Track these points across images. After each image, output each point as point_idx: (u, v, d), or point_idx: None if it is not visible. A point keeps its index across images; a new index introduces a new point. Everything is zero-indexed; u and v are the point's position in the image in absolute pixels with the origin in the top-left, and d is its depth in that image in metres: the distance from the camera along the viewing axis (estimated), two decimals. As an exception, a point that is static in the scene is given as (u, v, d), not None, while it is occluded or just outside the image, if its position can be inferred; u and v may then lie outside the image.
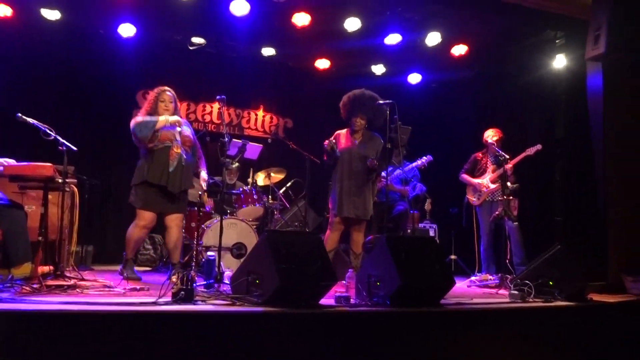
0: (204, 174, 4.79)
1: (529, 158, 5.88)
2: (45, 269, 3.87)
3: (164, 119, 4.47)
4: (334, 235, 4.88)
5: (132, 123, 4.50)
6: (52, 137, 3.93)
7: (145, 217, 4.48)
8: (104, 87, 7.02)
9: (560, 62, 6.34)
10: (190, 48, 7.11)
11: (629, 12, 5.20)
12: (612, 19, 5.09)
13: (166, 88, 4.68)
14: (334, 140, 4.87)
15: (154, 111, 4.57)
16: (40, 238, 3.82)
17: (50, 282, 3.46)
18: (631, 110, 5.45)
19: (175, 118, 4.55)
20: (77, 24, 6.57)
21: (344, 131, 5.05)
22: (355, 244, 4.88)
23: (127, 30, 6.52)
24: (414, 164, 6.19)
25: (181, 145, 4.53)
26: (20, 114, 3.92)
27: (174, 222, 4.62)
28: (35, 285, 3.25)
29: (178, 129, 4.55)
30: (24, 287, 3.18)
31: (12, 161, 3.85)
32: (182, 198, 4.65)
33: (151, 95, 4.66)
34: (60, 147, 3.94)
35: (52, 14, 6.18)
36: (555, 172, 6.56)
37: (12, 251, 3.62)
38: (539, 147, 5.80)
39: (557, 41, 6.35)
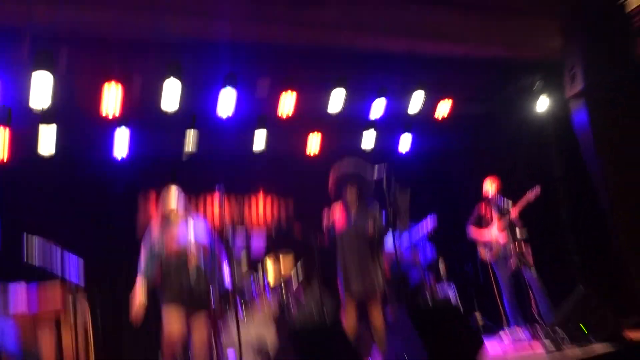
0: (225, 268, 4.60)
1: (531, 202, 5.85)
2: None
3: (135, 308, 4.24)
4: (349, 313, 4.73)
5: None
6: (59, 277, 3.88)
7: (170, 313, 4.22)
8: (106, 200, 7.08)
9: (543, 104, 6.44)
10: (184, 159, 7.21)
11: (599, 46, 5.34)
12: (585, 56, 5.23)
13: (172, 192, 4.60)
14: (331, 221, 4.82)
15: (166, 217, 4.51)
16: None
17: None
18: (623, 137, 5.48)
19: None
20: (72, 155, 6.66)
21: (339, 207, 4.97)
22: (374, 319, 4.73)
23: (121, 151, 6.55)
24: (420, 228, 6.14)
25: (197, 253, 4.40)
26: (26, 257, 3.87)
27: (197, 323, 4.36)
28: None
29: (191, 238, 4.44)
30: None
31: (22, 286, 3.79)
32: (205, 299, 4.41)
33: (159, 203, 4.63)
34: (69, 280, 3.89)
35: (47, 149, 6.23)
36: (561, 211, 6.51)
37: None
38: (537, 190, 5.79)
39: (536, 85, 6.47)
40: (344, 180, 4.83)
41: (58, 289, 3.80)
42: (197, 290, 4.31)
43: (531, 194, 5.78)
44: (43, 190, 6.79)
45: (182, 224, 4.49)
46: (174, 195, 4.55)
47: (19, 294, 3.76)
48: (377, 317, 4.71)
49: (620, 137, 5.51)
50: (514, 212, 5.68)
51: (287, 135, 7.72)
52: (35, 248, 3.90)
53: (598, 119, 5.48)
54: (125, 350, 6.81)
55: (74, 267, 3.94)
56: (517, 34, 5.15)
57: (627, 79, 4.91)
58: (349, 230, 4.78)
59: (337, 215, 4.90)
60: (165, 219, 4.49)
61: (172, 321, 4.21)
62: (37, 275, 4.06)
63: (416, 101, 6.71)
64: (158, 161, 7.33)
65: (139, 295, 4.15)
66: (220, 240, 4.71)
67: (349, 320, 4.66)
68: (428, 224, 6.07)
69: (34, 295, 3.78)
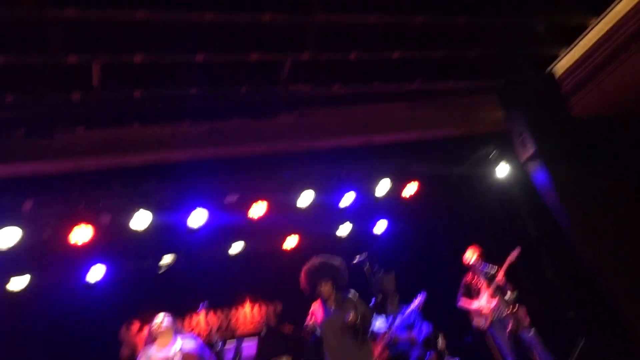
0: None
1: (514, 264, 5.88)
2: None
3: None
4: None
5: None
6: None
7: None
8: (87, 332, 6.91)
9: (503, 171, 6.63)
10: (160, 272, 7.19)
11: (538, 111, 5.59)
12: (528, 123, 5.48)
13: (159, 316, 4.73)
14: (312, 322, 4.83)
15: (152, 338, 4.64)
16: None
17: None
18: (585, 189, 5.61)
19: None
20: (46, 285, 6.61)
21: (318, 303, 5.01)
22: None
23: (95, 274, 6.57)
24: (412, 307, 6.08)
25: None
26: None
27: None
28: None
29: (177, 349, 4.43)
30: None
31: None
32: None
33: (145, 329, 4.66)
34: None
35: (18, 284, 6.20)
36: (546, 271, 6.52)
37: None
38: (518, 250, 5.84)
39: (491, 155, 6.70)
40: (316, 276, 4.91)
41: None
42: None
43: (513, 255, 5.82)
44: (23, 332, 6.65)
45: (170, 341, 4.59)
46: (162, 318, 4.69)
47: None
48: None
49: (582, 190, 5.66)
50: (499, 276, 5.69)
51: (263, 235, 7.76)
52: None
53: (557, 177, 5.64)
54: None
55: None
56: (462, 113, 5.43)
57: (572, 137, 5.15)
58: (329, 323, 4.78)
59: (317, 312, 4.93)
60: (153, 340, 4.63)
61: None
62: None
63: (383, 188, 6.92)
64: (135, 278, 7.25)
65: None
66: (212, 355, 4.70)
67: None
68: (420, 302, 6.00)
69: None
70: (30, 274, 6.23)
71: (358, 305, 4.82)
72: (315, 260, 4.99)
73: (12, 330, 6.60)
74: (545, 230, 6.44)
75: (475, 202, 7.31)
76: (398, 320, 5.91)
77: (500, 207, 7.04)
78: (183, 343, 4.55)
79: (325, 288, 4.90)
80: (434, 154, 6.23)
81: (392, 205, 7.60)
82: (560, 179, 5.65)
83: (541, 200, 5.92)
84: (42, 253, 5.63)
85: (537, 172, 5.76)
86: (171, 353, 4.45)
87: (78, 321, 6.91)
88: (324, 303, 4.93)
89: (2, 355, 6.26)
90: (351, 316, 4.64)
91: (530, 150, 5.51)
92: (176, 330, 4.65)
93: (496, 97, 5.17)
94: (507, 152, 6.22)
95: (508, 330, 5.67)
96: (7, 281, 6.10)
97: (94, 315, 6.92)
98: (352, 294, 4.97)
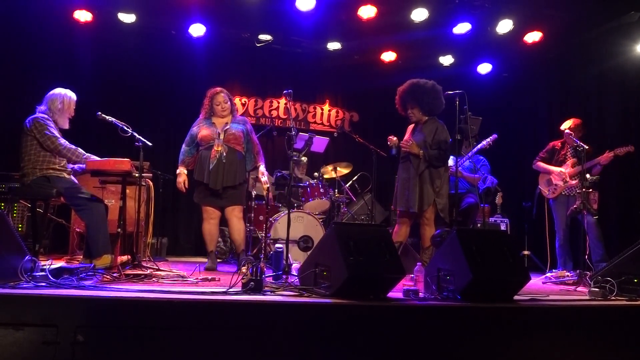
0: (262, 168, 4.85)
1: (619, 157, 5.48)
2: (124, 258, 4.07)
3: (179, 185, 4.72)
4: (401, 228, 4.81)
5: None
6: (129, 134, 4.11)
7: (206, 211, 4.75)
8: (176, 86, 7.31)
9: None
10: (258, 45, 7.23)
11: None
12: None
13: (218, 90, 4.83)
14: (394, 138, 4.84)
15: (211, 114, 4.80)
16: (119, 230, 4.00)
17: (128, 272, 3.62)
18: None
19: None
20: (151, 26, 6.83)
21: (411, 125, 4.99)
22: (422, 238, 4.78)
23: (197, 30, 6.73)
24: (479, 146, 5.89)
25: (224, 143, 4.65)
26: (100, 112, 4.13)
27: (232, 213, 4.76)
28: (115, 274, 3.41)
29: (226, 127, 4.70)
30: (105, 275, 3.35)
31: (95, 157, 4.06)
32: (231, 193, 4.70)
33: (206, 100, 4.84)
34: (136, 143, 4.10)
35: (128, 18, 6.49)
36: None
37: (93, 243, 3.86)
38: (630, 148, 5.38)
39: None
40: (404, 99, 4.80)
41: (127, 162, 3.99)
42: (214, 178, 4.59)
43: (622, 150, 5.36)
44: (120, 70, 7.06)
45: (224, 123, 4.78)
46: (222, 96, 4.79)
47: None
48: (423, 237, 4.74)
49: None
50: (607, 154, 5.35)
51: (361, 48, 7.52)
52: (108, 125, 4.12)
53: None
54: (181, 227, 7.29)
55: (141, 144, 4.12)
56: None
57: None
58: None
59: (408, 132, 4.93)
60: (210, 115, 4.82)
61: (206, 219, 4.76)
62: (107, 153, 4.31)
63: (503, 28, 6.42)
64: (232, 46, 7.39)
65: (181, 175, 4.74)
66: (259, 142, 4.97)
67: (397, 237, 4.73)
68: (488, 142, 5.78)
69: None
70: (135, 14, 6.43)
71: (435, 134, 4.72)
72: (407, 83, 4.82)
73: (115, 64, 7.03)
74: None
75: (598, 73, 6.62)
76: (466, 163, 5.84)
77: (622, 86, 6.37)
78: (231, 125, 4.75)
79: (413, 112, 4.82)
80: (576, 2, 5.49)
81: (505, 49, 7.08)
82: None
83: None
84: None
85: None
86: (220, 130, 4.68)
87: (169, 69, 7.25)
88: (415, 127, 4.91)
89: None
90: (427, 140, 4.60)
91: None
92: (231, 111, 4.84)
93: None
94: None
95: (572, 207, 5.52)
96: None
97: (186, 69, 7.23)
98: (437, 122, 4.83)
